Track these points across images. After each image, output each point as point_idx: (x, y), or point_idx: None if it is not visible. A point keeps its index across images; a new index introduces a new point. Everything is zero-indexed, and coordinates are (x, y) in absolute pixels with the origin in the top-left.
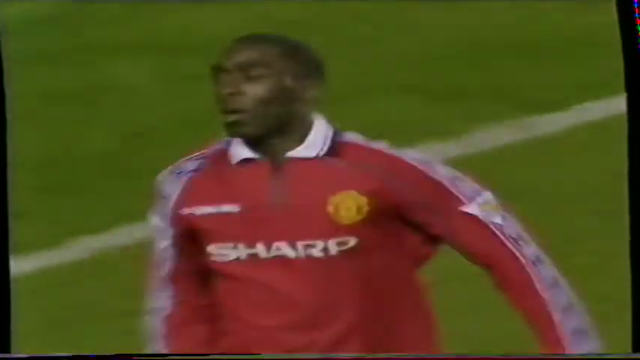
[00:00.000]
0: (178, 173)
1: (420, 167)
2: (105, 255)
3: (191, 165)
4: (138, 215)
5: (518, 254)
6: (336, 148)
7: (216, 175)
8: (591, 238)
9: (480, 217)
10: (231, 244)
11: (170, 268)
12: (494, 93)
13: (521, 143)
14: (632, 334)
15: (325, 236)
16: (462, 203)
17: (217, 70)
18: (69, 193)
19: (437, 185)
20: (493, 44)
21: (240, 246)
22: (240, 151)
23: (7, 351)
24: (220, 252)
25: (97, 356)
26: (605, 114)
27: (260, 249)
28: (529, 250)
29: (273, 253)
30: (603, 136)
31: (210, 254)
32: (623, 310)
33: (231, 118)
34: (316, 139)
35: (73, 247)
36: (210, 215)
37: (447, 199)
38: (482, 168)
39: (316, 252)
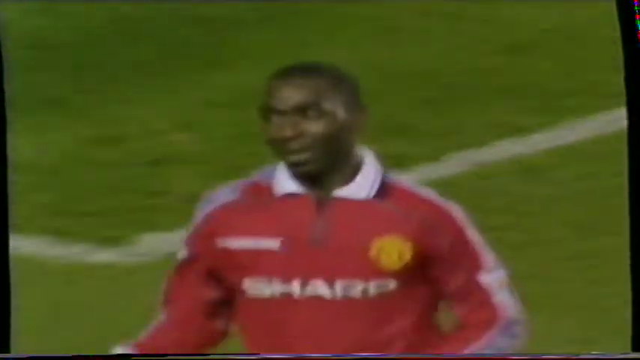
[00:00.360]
0: (213, 203)
1: (460, 224)
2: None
3: (227, 195)
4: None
5: (496, 332)
6: (384, 191)
7: (257, 207)
8: None
9: (493, 289)
10: (266, 280)
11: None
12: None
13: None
14: (632, 334)
15: (366, 278)
16: (483, 271)
17: (268, 111)
18: (448, 107)
19: (469, 246)
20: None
21: (276, 282)
22: (285, 184)
23: (7, 351)
24: (255, 286)
25: (97, 356)
26: None
27: (295, 287)
28: (510, 333)
29: (309, 291)
30: None
31: (243, 288)
32: None
33: (295, 158)
34: (366, 181)
35: (451, 162)
36: (247, 249)
37: (473, 261)
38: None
39: (355, 292)
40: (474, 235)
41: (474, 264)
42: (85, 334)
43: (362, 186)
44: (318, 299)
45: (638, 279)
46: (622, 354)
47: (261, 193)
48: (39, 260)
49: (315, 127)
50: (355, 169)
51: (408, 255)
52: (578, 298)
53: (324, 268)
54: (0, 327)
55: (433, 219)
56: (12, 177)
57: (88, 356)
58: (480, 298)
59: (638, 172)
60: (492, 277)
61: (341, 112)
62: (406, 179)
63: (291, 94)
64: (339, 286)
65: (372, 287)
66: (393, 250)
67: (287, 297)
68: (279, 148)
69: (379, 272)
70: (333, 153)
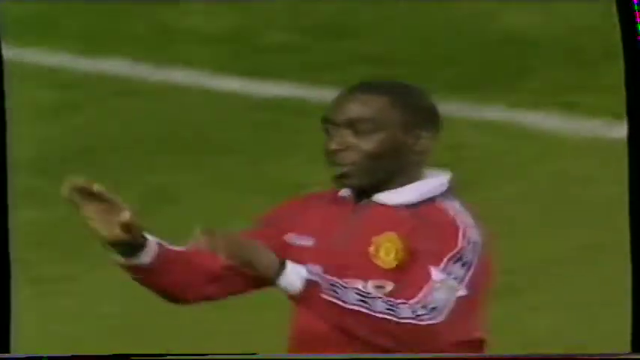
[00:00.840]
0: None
1: (462, 240)
2: None
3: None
4: None
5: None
6: (423, 206)
7: (316, 206)
8: None
9: (432, 283)
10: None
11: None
12: None
13: None
14: (632, 334)
15: (365, 277)
16: (437, 265)
17: (327, 122)
18: None
19: (452, 251)
20: None
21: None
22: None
23: (7, 351)
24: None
25: (96, 356)
26: None
27: None
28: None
29: None
30: None
31: None
32: None
33: (339, 171)
34: (409, 192)
35: None
36: (291, 244)
37: (439, 256)
38: None
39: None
40: (465, 246)
41: (438, 255)
42: None
43: (401, 194)
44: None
45: (638, 278)
46: (622, 354)
47: (328, 195)
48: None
49: (364, 143)
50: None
51: (404, 252)
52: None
53: (335, 267)
54: (0, 327)
55: (437, 228)
56: (12, 177)
57: (88, 356)
58: (415, 283)
59: (638, 173)
60: (442, 277)
61: (398, 132)
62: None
63: (347, 108)
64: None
65: (370, 287)
66: (390, 247)
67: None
68: (329, 160)
69: (377, 271)
70: (381, 171)
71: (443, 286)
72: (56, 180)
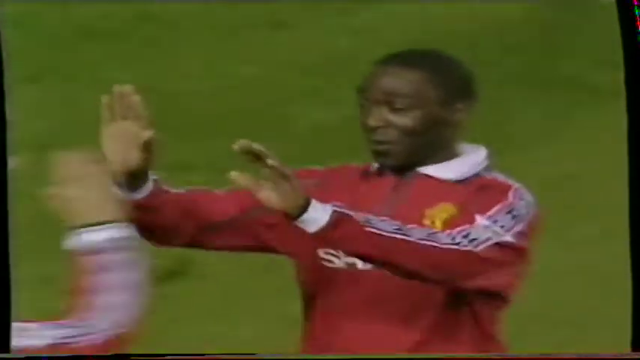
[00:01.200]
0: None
1: (511, 195)
2: None
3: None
4: None
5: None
6: (474, 180)
7: (350, 181)
8: None
9: (476, 225)
10: (334, 252)
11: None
12: None
13: None
14: (632, 334)
15: None
16: (486, 215)
17: (362, 96)
18: None
19: (501, 203)
20: None
21: (341, 254)
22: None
23: (7, 351)
24: (326, 257)
25: (96, 356)
26: None
27: (358, 260)
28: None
29: (345, 261)
30: None
31: (318, 256)
32: None
33: (379, 148)
34: (457, 165)
35: None
36: None
37: (489, 205)
38: None
39: None
40: (516, 204)
41: (486, 206)
42: None
43: (450, 168)
44: (378, 273)
45: (638, 277)
46: (622, 354)
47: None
48: None
49: (402, 120)
50: (451, 158)
51: (457, 219)
52: None
53: None
54: (0, 327)
55: (490, 190)
56: (12, 177)
57: (88, 356)
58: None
59: (638, 172)
60: (485, 223)
61: (435, 108)
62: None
63: (385, 83)
64: None
65: None
66: (447, 217)
67: (351, 269)
68: (366, 135)
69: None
70: (420, 147)
71: (486, 229)
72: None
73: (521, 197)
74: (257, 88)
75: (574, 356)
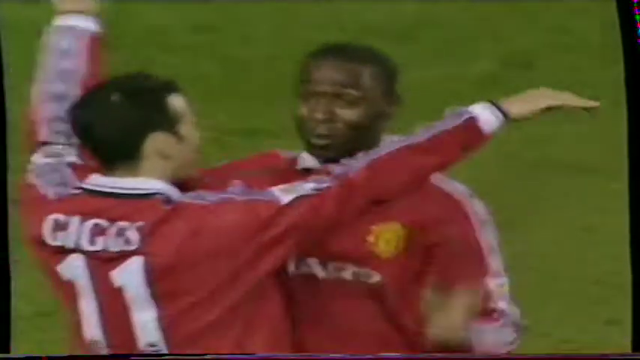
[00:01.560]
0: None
1: (474, 222)
2: None
3: (247, 166)
4: None
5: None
6: None
7: (277, 178)
8: None
9: (495, 295)
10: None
11: None
12: None
13: None
14: (632, 334)
15: (358, 263)
16: (489, 275)
17: (305, 88)
18: None
19: (478, 247)
20: None
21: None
22: (307, 159)
23: (7, 351)
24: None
25: (97, 356)
26: None
27: (290, 264)
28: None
29: (303, 269)
30: None
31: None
32: None
33: (320, 142)
34: None
35: None
36: None
37: (480, 263)
38: None
39: (346, 275)
40: (486, 236)
41: (480, 266)
42: None
43: None
44: (309, 277)
45: (638, 278)
46: (622, 354)
47: (279, 163)
48: None
49: (349, 113)
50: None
51: (404, 243)
52: None
53: (321, 247)
54: (0, 327)
55: (445, 211)
56: (11, 178)
57: (88, 356)
58: (484, 302)
59: (638, 173)
60: (496, 283)
61: (379, 101)
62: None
63: (333, 76)
64: (331, 267)
65: (362, 274)
66: (391, 237)
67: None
68: (306, 128)
69: (373, 259)
70: (359, 140)
71: (501, 290)
72: None
73: (484, 217)
74: None
75: (574, 356)
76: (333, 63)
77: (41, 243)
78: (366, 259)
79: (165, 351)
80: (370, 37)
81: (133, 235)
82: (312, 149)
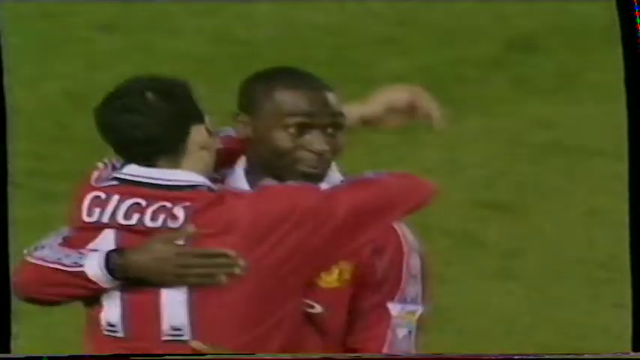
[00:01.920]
0: None
1: (405, 250)
2: None
3: None
4: None
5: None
6: None
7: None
8: None
9: (393, 321)
10: None
11: None
12: None
13: None
14: (632, 334)
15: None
16: (395, 300)
17: (303, 121)
18: None
19: (399, 273)
20: None
21: None
22: (240, 183)
23: (7, 351)
24: None
25: (96, 356)
26: None
27: None
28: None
29: None
30: None
31: None
32: None
33: (314, 172)
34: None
35: None
36: None
37: (393, 287)
38: None
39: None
40: (411, 263)
41: (391, 290)
42: None
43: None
44: None
45: (638, 279)
46: (622, 354)
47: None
48: None
49: (338, 141)
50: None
51: (347, 275)
52: None
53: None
54: (0, 327)
55: (383, 239)
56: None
57: (88, 356)
58: (376, 327)
59: (638, 172)
60: (406, 310)
61: (345, 124)
62: None
63: (327, 106)
64: None
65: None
66: (333, 269)
67: None
68: (295, 158)
69: (314, 290)
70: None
71: (403, 318)
72: None
73: (414, 244)
74: (331, 36)
75: (574, 356)
76: (305, 92)
77: (79, 227)
78: (309, 289)
79: (187, 337)
80: (372, 20)
81: (179, 213)
82: (302, 178)
